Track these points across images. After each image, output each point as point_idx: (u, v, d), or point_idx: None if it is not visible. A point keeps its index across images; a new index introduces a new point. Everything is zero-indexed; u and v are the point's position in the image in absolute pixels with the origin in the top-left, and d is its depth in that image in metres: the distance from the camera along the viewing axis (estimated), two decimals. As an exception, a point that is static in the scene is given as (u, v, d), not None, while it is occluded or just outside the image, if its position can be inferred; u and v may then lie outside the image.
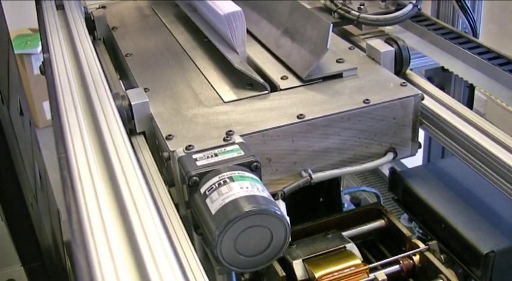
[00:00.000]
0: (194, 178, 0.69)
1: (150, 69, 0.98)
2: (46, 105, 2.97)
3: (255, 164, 0.72)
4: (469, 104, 1.26)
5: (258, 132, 0.78)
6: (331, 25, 0.89)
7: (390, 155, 0.88)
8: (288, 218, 0.67)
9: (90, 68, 0.86)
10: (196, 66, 0.98)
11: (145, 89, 0.91)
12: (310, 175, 0.83)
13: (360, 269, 0.79)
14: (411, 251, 0.83)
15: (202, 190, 0.69)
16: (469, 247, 0.82)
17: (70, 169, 0.63)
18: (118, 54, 1.08)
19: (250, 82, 0.90)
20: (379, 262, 0.81)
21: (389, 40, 0.98)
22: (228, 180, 0.68)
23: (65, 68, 0.87)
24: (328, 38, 0.88)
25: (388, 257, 0.83)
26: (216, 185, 0.68)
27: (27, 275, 1.28)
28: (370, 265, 0.80)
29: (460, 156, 0.86)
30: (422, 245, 0.83)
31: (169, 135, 0.78)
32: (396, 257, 0.83)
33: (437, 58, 1.13)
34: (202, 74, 0.95)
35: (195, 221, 0.72)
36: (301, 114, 0.81)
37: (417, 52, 1.16)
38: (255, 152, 0.74)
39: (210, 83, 0.92)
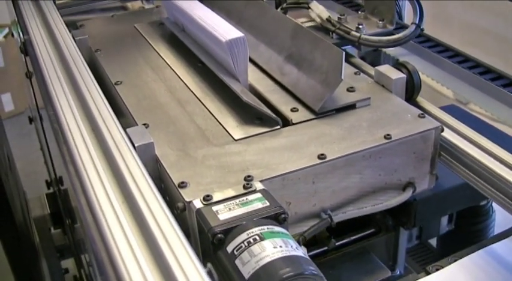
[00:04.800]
0: (219, 235, 0.63)
1: (145, 101, 0.91)
2: (4, 97, 2.97)
3: (283, 216, 0.66)
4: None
5: (278, 176, 0.72)
6: (344, 53, 0.83)
7: (409, 191, 0.83)
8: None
9: (67, 46, 1.01)
10: (196, 96, 0.91)
11: (144, 124, 0.83)
12: (330, 217, 0.78)
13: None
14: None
15: (229, 249, 0.62)
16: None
17: (59, 121, 0.79)
18: (105, 81, 0.99)
19: (259, 116, 0.84)
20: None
21: (398, 65, 0.94)
22: (257, 238, 0.62)
23: (45, 47, 1.02)
24: (341, 67, 0.82)
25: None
26: (246, 243, 0.62)
27: (3, 247, 1.36)
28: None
29: (482, 189, 0.82)
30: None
31: (182, 182, 0.71)
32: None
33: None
34: (204, 106, 0.89)
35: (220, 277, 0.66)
36: (321, 154, 0.75)
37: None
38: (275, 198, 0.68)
39: (215, 117, 0.85)
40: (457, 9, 2.22)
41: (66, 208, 1.29)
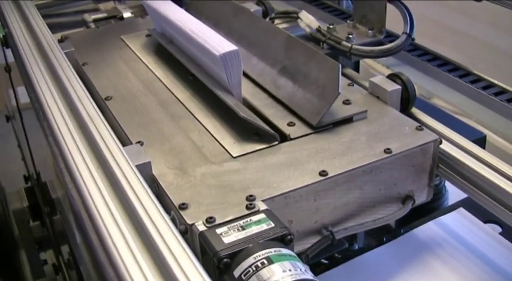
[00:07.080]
0: (225, 260, 0.62)
1: (138, 117, 0.89)
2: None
3: (289, 237, 0.65)
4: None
5: (280, 195, 0.71)
6: (340, 66, 0.83)
7: (409, 204, 0.83)
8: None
9: (45, 37, 1.06)
10: (189, 111, 0.90)
11: (138, 142, 0.82)
12: (332, 233, 0.77)
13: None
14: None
15: (236, 274, 0.61)
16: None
17: (46, 117, 0.82)
18: (95, 96, 0.97)
19: (256, 131, 0.82)
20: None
21: (392, 76, 0.93)
22: (265, 261, 0.60)
23: (25, 39, 1.08)
24: (338, 80, 0.82)
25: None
26: (253, 268, 0.60)
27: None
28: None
29: (480, 200, 0.82)
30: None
31: (183, 204, 0.69)
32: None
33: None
34: (199, 121, 0.87)
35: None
36: (323, 171, 0.74)
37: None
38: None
39: (211, 134, 0.84)
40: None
41: (46, 200, 1.28)
